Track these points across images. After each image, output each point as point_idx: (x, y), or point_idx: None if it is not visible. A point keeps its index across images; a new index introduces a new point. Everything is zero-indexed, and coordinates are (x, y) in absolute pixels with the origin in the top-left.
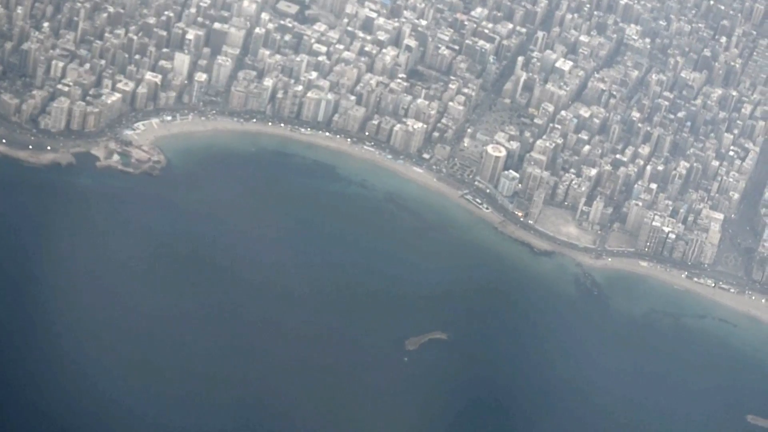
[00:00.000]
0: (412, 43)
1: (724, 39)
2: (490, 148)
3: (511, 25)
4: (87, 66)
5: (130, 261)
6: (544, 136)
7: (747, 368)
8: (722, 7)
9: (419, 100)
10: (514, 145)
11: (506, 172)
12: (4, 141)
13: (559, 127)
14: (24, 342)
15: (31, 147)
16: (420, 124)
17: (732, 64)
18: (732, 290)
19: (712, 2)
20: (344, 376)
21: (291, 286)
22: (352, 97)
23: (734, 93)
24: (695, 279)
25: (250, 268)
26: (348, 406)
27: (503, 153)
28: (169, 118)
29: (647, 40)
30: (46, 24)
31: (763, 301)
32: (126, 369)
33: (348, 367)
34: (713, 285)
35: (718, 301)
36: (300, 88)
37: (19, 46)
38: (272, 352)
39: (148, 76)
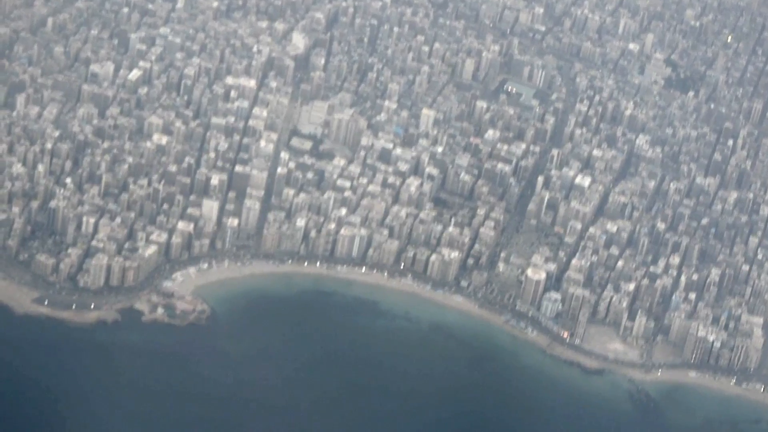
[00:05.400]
0: (434, 171)
1: (730, 142)
2: (530, 272)
3: (524, 145)
4: (118, 220)
5: (196, 419)
6: (578, 255)
7: None
8: (723, 110)
9: (450, 228)
10: (552, 266)
11: (548, 294)
12: (46, 303)
13: (591, 244)
14: None
15: (74, 306)
16: (455, 253)
17: (742, 166)
18: None
19: (712, 106)
20: None
21: (364, 420)
22: (385, 231)
23: (750, 195)
24: (744, 385)
25: (313, 418)
26: None
27: (543, 276)
28: (205, 266)
29: (657, 149)
30: (68, 180)
31: None
32: None
33: None
34: (762, 389)
35: None
36: (332, 225)
37: (45, 204)
38: None
39: (180, 225)
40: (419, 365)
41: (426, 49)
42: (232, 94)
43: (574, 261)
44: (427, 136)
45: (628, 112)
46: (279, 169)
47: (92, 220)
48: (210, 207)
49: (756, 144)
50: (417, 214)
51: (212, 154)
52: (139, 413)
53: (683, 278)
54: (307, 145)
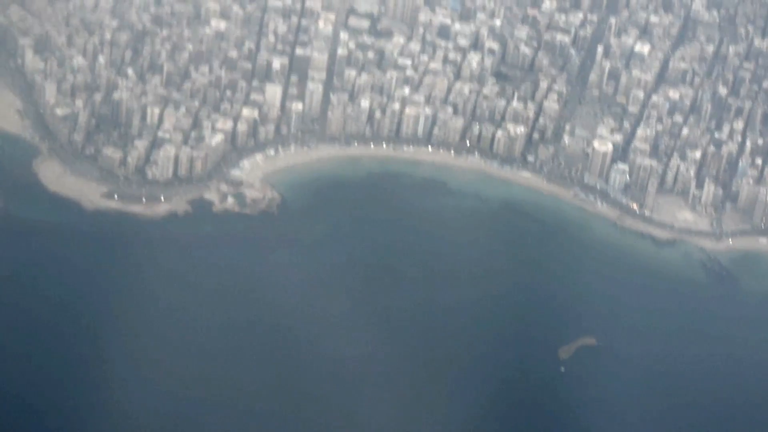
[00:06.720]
0: (494, 45)
1: None
2: (596, 144)
3: (581, 14)
4: (183, 109)
5: (273, 306)
6: (643, 124)
7: None
8: None
9: (514, 103)
10: (617, 137)
11: (615, 165)
12: (115, 197)
13: (654, 112)
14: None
15: (144, 200)
16: (521, 128)
17: None
18: None
19: None
20: (511, 396)
21: (442, 302)
22: (449, 108)
23: None
24: None
25: (387, 297)
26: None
27: (610, 147)
28: (272, 152)
29: (714, 12)
30: (130, 70)
31: None
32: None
33: (512, 385)
34: None
35: None
36: (396, 105)
37: (108, 96)
38: (433, 373)
39: (245, 111)
40: (492, 242)
41: None
42: None
43: (639, 131)
44: (484, 10)
45: None
46: (339, 50)
47: (157, 111)
48: (273, 92)
49: None
50: (480, 89)
51: (272, 38)
52: (217, 300)
53: (748, 143)
54: (365, 23)
